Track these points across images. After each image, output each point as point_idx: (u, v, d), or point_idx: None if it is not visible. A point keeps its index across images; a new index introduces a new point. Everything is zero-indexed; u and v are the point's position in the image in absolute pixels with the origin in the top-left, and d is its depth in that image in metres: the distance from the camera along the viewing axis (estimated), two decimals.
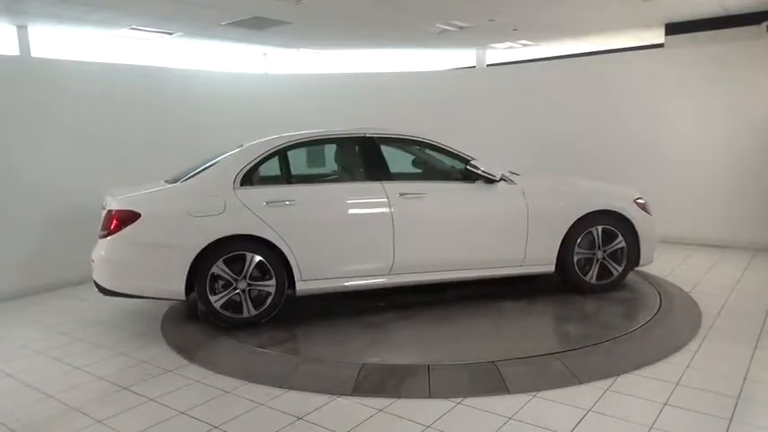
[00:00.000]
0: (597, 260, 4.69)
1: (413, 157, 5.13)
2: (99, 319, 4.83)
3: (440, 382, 3.27)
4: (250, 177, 4.34)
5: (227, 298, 4.14)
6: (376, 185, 4.42)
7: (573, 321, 4.24)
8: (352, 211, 4.40)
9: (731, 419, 2.80)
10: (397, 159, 5.00)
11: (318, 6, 6.27)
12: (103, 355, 4.02)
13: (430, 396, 3.16)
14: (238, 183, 4.27)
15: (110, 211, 4.17)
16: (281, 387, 3.35)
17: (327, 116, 7.06)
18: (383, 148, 4.67)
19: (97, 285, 4.29)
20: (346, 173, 4.98)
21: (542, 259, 4.63)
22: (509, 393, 3.15)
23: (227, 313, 4.16)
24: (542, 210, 4.58)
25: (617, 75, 7.25)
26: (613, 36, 9.09)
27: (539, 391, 3.17)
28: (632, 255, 4.73)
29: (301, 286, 4.27)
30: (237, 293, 4.16)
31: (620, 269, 4.72)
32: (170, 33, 7.48)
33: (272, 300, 4.22)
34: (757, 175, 6.38)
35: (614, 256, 4.71)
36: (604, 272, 4.71)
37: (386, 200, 4.35)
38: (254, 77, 8.58)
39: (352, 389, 3.26)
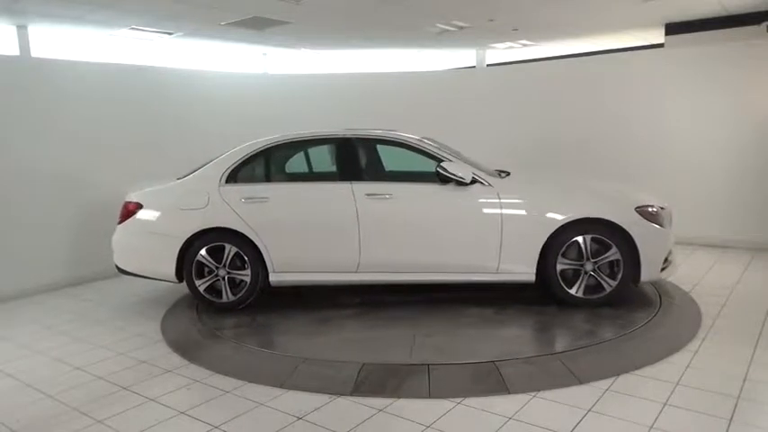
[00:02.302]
0: (585, 272, 4.31)
1: (393, 158, 5.16)
2: (99, 319, 4.83)
3: (440, 382, 3.28)
4: (235, 175, 4.73)
5: (209, 283, 4.64)
6: (345, 185, 4.54)
7: (572, 322, 4.23)
8: (319, 209, 4.58)
9: (731, 419, 2.80)
10: (382, 159, 5.18)
11: (318, 6, 6.27)
12: (103, 355, 4.02)
13: (430, 396, 3.16)
14: (224, 180, 4.70)
15: (126, 203, 4.86)
16: (281, 387, 3.35)
17: (327, 116, 7.06)
18: (367, 149, 4.89)
19: (115, 265, 4.94)
20: (322, 172, 5.14)
21: (519, 268, 4.35)
22: (509, 393, 3.15)
23: (209, 297, 4.67)
24: (518, 215, 4.33)
25: (617, 75, 7.24)
26: (613, 36, 9.09)
27: (539, 391, 3.16)
28: (630, 269, 4.25)
29: (274, 278, 4.62)
30: (218, 280, 4.63)
31: (613, 284, 4.29)
32: (170, 33, 7.48)
33: (248, 288, 4.63)
34: (757, 175, 6.38)
35: (607, 269, 4.30)
36: (595, 286, 4.32)
37: (352, 200, 4.46)
38: (254, 77, 8.57)
39: (352, 389, 3.26)
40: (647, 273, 4.26)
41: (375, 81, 8.46)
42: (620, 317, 4.21)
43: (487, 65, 10.52)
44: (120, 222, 4.85)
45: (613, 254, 4.25)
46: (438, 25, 7.62)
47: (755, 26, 7.49)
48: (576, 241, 4.28)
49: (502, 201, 4.36)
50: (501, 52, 10.32)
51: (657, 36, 8.69)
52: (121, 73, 6.51)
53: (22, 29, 6.73)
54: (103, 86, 6.29)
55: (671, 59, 6.95)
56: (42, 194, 5.77)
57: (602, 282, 4.31)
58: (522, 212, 4.35)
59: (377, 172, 5.08)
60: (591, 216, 4.26)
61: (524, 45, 9.69)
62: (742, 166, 6.46)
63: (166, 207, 4.77)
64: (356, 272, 4.53)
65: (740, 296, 4.77)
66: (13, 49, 6.77)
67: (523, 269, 4.35)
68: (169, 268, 4.65)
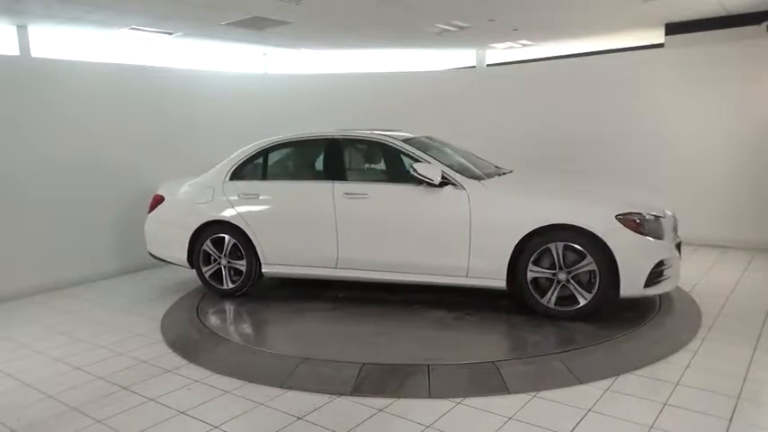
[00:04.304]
0: (558, 282, 4.07)
1: (381, 158, 5.30)
2: (99, 319, 4.83)
3: (440, 382, 3.28)
4: (238, 173, 5.12)
5: (213, 271, 5.09)
6: (327, 185, 4.73)
7: (567, 323, 4.22)
8: (303, 206, 4.82)
9: (731, 419, 2.80)
10: (374, 159, 5.36)
11: (318, 6, 6.27)
12: (103, 355, 4.02)
13: (430, 396, 3.17)
14: (228, 177, 5.12)
15: (155, 195, 5.45)
16: (281, 387, 3.35)
17: (327, 116, 7.07)
18: (353, 149, 5.12)
19: (148, 251, 5.53)
20: (311, 171, 5.32)
21: (489, 273, 4.22)
22: (509, 393, 3.15)
23: (213, 283, 5.13)
24: (487, 219, 4.20)
25: (617, 75, 7.24)
26: (613, 36, 9.08)
27: (539, 391, 3.17)
28: (608, 282, 3.95)
29: (265, 269, 4.97)
30: (220, 268, 5.06)
31: (588, 297, 4.01)
32: (170, 33, 7.47)
33: (243, 277, 5.00)
34: (757, 174, 6.38)
35: (585, 281, 4.03)
36: (569, 297, 4.07)
37: (331, 198, 4.64)
38: (254, 77, 8.57)
39: (352, 389, 3.26)
40: (628, 287, 3.94)
41: (375, 81, 8.46)
42: (620, 316, 4.20)
43: (487, 65, 10.52)
44: (150, 212, 5.43)
45: (588, 264, 3.98)
46: (438, 25, 7.62)
47: (755, 26, 7.48)
48: (549, 248, 4.06)
49: (471, 203, 4.25)
50: (501, 52, 10.32)
51: (657, 36, 8.68)
52: (121, 73, 6.50)
53: (22, 29, 6.73)
54: (103, 86, 6.28)
55: (671, 59, 6.95)
56: (41, 194, 5.76)
57: (576, 294, 4.05)
58: (491, 216, 4.22)
59: (359, 171, 5.23)
60: (559, 222, 4.03)
61: (524, 45, 9.68)
62: (741, 166, 6.46)
63: (182, 200, 5.30)
64: (335, 268, 4.72)
65: (740, 296, 4.77)
66: (13, 49, 6.76)
67: (493, 275, 4.23)
68: (182, 255, 5.15)
